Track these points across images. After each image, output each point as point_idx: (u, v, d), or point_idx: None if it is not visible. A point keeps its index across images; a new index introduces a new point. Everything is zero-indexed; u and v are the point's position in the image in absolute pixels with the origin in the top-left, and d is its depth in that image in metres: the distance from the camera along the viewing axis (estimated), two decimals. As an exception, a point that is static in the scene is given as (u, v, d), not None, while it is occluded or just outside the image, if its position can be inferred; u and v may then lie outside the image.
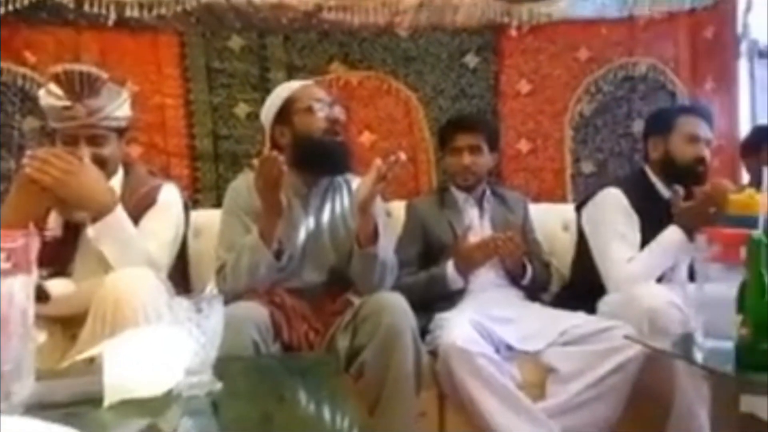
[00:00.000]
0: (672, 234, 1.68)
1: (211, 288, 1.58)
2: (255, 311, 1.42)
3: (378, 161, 1.48)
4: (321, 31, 2.22)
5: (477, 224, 1.93)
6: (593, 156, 2.38)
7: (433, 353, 1.59)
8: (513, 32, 2.32)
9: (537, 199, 2.25)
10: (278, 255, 1.52)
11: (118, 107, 1.51)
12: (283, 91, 1.71)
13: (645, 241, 1.74)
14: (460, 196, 1.97)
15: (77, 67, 1.50)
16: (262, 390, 1.08)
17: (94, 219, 1.40)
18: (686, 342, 1.31)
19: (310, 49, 2.22)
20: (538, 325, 1.69)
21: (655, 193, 1.86)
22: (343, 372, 1.39)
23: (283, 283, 1.56)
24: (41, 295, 1.20)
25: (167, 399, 0.89)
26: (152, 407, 0.87)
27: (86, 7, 2.03)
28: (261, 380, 1.15)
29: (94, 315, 1.27)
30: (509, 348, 1.65)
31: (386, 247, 1.60)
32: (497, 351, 1.61)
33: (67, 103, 1.44)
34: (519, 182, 2.32)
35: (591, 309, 1.76)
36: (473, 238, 1.82)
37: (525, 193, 2.18)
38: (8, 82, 2.02)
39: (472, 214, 1.95)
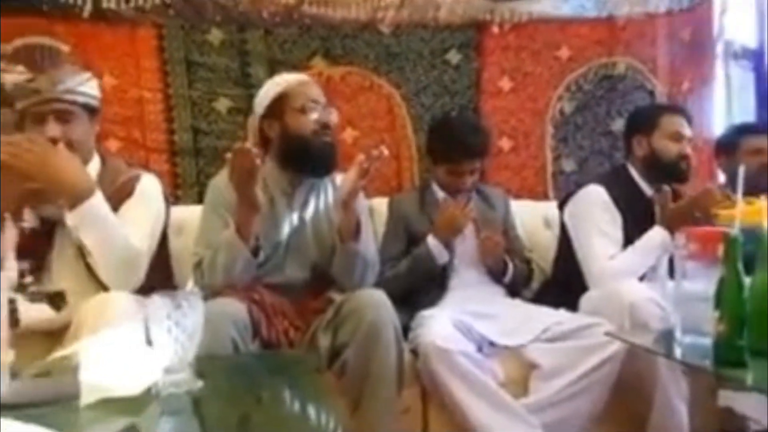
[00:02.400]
0: (656, 234, 1.71)
1: (192, 285, 1.56)
2: (233, 308, 1.39)
3: (361, 156, 1.47)
4: (302, 26, 2.20)
5: (459, 221, 1.92)
6: (574, 154, 2.40)
7: (415, 351, 1.58)
8: (495, 30, 2.33)
9: (519, 196, 2.26)
10: (256, 251, 1.49)
11: (83, 83, 1.47)
12: (279, 83, 1.66)
13: (627, 238, 1.76)
14: (441, 194, 1.96)
15: (35, 39, 1.45)
16: (242, 388, 1.06)
17: (72, 206, 1.35)
18: (666, 338, 1.33)
19: (292, 43, 2.20)
20: (520, 321, 1.70)
21: (637, 190, 1.88)
22: (325, 370, 1.38)
23: (264, 279, 1.54)
24: (12, 319, 1.16)
25: (146, 398, 0.87)
26: (131, 406, 0.85)
27: (61, -3, 1.98)
28: (240, 378, 1.14)
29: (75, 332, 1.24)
30: (492, 344, 1.65)
31: (368, 243, 1.59)
32: (479, 348, 1.62)
33: (29, 75, 1.40)
34: (501, 180, 2.33)
35: (572, 305, 1.77)
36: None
37: (507, 191, 2.18)
38: (-21, 73, 1.96)
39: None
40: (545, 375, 1.58)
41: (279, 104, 1.62)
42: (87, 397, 0.83)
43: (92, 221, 1.36)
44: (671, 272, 1.78)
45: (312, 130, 1.59)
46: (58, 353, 0.99)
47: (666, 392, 1.52)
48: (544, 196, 2.35)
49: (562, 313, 1.72)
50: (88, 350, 0.86)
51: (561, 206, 1.97)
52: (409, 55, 2.29)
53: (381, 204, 2.03)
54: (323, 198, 1.67)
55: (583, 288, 1.78)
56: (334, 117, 1.65)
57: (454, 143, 1.89)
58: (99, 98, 1.52)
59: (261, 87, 1.70)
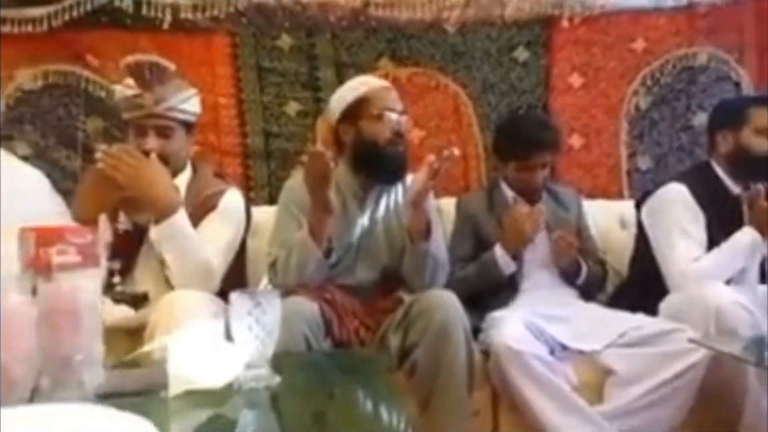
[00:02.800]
0: (745, 235, 1.61)
1: (265, 284, 1.61)
2: (305, 306, 1.42)
3: (431, 157, 1.46)
4: (368, 28, 2.22)
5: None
6: (650, 151, 2.29)
7: (486, 353, 1.56)
8: (565, 24, 2.26)
9: (591, 196, 2.19)
10: (328, 253, 1.52)
11: (186, 100, 1.56)
12: (357, 87, 1.67)
13: (711, 239, 1.66)
14: (510, 194, 1.92)
15: (147, 57, 1.55)
16: (315, 385, 1.08)
17: (158, 220, 1.44)
18: (757, 346, 1.25)
19: (358, 46, 2.22)
20: (594, 325, 1.65)
21: (722, 188, 1.77)
22: (395, 369, 1.39)
23: (336, 280, 1.57)
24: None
25: (228, 391, 0.91)
26: (214, 399, 0.89)
27: (143, 11, 2.09)
28: (313, 375, 1.16)
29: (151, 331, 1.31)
30: (564, 348, 1.61)
31: (438, 244, 1.58)
32: (551, 352, 1.57)
33: (137, 91, 1.50)
34: (571, 179, 2.26)
35: (651, 309, 1.69)
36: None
37: (578, 190, 2.11)
38: (72, 84, 2.10)
39: (522, 211, 1.90)
40: (622, 382, 1.52)
41: (356, 109, 1.63)
42: (175, 388, 0.87)
43: (173, 237, 1.46)
44: (762, 276, 1.68)
45: (386, 139, 1.60)
46: (145, 347, 1.05)
47: (757, 401, 1.43)
48: (619, 196, 2.26)
49: (641, 318, 1.64)
50: (174, 344, 0.91)
51: (638, 205, 1.88)
52: (475, 54, 2.26)
53: (448, 204, 2.01)
54: (394, 199, 1.68)
55: (662, 291, 1.70)
56: (407, 125, 1.65)
57: (523, 137, 1.84)
58: (198, 114, 1.62)
59: (329, 90, 1.73)
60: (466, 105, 2.26)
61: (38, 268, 0.82)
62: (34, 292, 0.82)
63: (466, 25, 2.24)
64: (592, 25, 2.27)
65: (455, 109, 2.26)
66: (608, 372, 1.55)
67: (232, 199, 1.64)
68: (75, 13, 2.06)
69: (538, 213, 1.75)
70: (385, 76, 2.19)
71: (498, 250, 1.76)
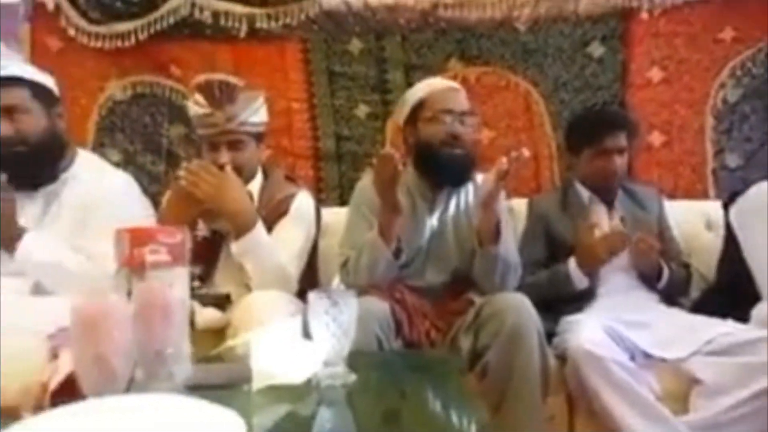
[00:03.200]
0: None
1: (336, 284, 1.64)
2: (377, 306, 1.43)
3: (502, 159, 1.44)
4: (437, 30, 2.21)
5: (605, 223, 1.81)
6: (740, 147, 2.15)
7: (561, 357, 1.52)
8: (644, 16, 2.16)
9: (672, 195, 2.09)
10: (397, 253, 1.53)
11: (254, 113, 1.62)
12: (419, 90, 1.69)
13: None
14: (585, 193, 1.86)
15: (216, 76, 1.63)
16: (388, 385, 1.09)
17: (237, 235, 1.52)
18: None
19: (428, 47, 2.22)
20: (678, 332, 1.56)
21: (824, 188, 1.64)
22: (466, 372, 1.38)
23: (406, 281, 1.58)
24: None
25: (306, 388, 0.93)
26: (293, 394, 0.91)
27: (221, 21, 2.19)
28: (387, 375, 1.16)
29: (234, 329, 1.37)
30: (646, 355, 1.53)
31: (508, 246, 1.56)
32: (632, 358, 1.50)
33: (208, 110, 1.57)
34: (651, 178, 2.16)
35: (740, 316, 1.58)
36: (598, 233, 1.70)
37: (659, 190, 2.01)
38: (158, 94, 2.24)
39: (599, 212, 1.84)
40: (709, 392, 1.43)
41: (417, 111, 1.65)
42: (258, 383, 0.91)
43: (253, 251, 1.53)
44: None
45: (441, 141, 1.60)
46: (229, 342, 1.10)
47: None
48: (704, 195, 2.14)
49: (731, 324, 1.54)
50: (256, 341, 0.94)
51: (726, 206, 1.77)
52: (547, 51, 2.21)
53: (520, 205, 1.97)
54: (464, 201, 1.67)
55: (754, 297, 1.58)
56: (472, 127, 1.63)
57: (595, 120, 1.82)
58: (266, 123, 1.69)
59: (398, 92, 1.74)
60: (538, 103, 2.21)
61: (133, 266, 0.88)
62: (129, 289, 0.88)
63: (537, 22, 2.19)
64: (674, 16, 2.15)
65: (526, 108, 2.22)
66: (693, 381, 1.46)
67: (303, 202, 1.69)
68: (159, 27, 2.18)
69: (618, 236, 1.66)
70: (454, 77, 2.19)
71: (571, 265, 1.70)
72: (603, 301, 1.71)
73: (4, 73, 1.49)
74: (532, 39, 2.21)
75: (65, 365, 0.82)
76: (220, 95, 1.57)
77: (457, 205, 1.66)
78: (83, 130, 2.21)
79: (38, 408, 0.80)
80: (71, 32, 2.18)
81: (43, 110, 1.53)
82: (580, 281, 1.70)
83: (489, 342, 1.38)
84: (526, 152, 1.43)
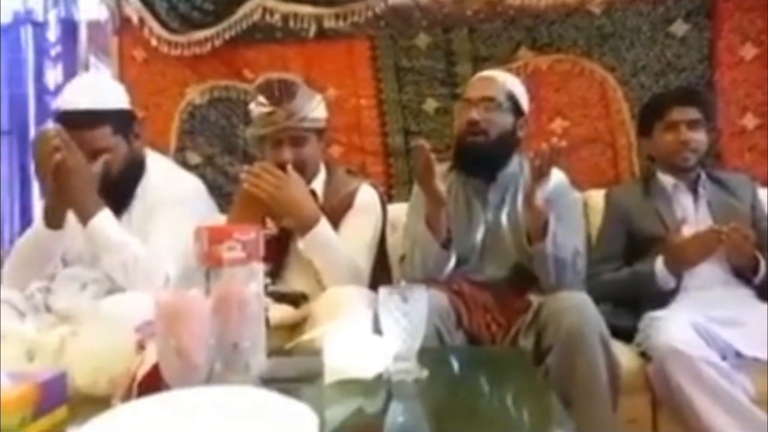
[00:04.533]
0: None
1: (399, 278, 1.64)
2: (435, 298, 1.40)
3: (530, 154, 1.40)
4: (506, 18, 2.16)
5: (691, 213, 1.70)
6: None
7: (644, 355, 1.44)
8: (734, -12, 2.01)
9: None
10: (447, 243, 1.51)
11: (314, 109, 1.65)
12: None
13: None
14: (669, 181, 1.75)
15: (275, 75, 1.67)
16: (459, 380, 1.08)
17: (302, 233, 1.55)
18: None
19: (496, 37, 2.18)
20: (776, 331, 1.44)
21: None
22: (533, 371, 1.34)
23: (467, 275, 1.56)
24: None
25: (378, 382, 0.94)
26: (365, 389, 0.92)
27: (291, 24, 2.24)
28: (456, 370, 1.15)
29: (310, 324, 1.40)
30: (738, 355, 1.42)
31: (559, 243, 1.47)
32: (723, 358, 1.40)
33: (270, 108, 1.61)
34: (743, 164, 2.01)
35: None
36: (688, 231, 1.59)
37: (752, 177, 1.86)
38: (233, 97, 2.33)
39: (684, 202, 1.73)
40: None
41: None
42: (330, 377, 0.93)
43: (319, 246, 1.55)
44: None
45: (463, 130, 1.59)
46: (304, 337, 1.12)
47: None
48: (805, 182, 1.96)
49: (837, 323, 1.40)
50: (329, 336, 0.96)
51: (832, 193, 1.61)
52: (624, 34, 2.11)
53: (597, 196, 1.89)
54: (519, 195, 1.62)
55: None
56: (490, 113, 1.58)
57: (661, 96, 1.79)
58: (326, 118, 1.71)
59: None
60: (615, 90, 2.11)
61: (211, 263, 0.92)
62: (208, 285, 0.92)
63: (613, 3, 2.09)
64: (768, -13, 1.99)
65: (602, 96, 2.13)
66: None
67: (366, 194, 1.70)
68: (233, 32, 2.26)
69: (710, 234, 1.55)
70: (525, 67, 2.13)
71: (658, 265, 1.59)
72: (691, 296, 1.59)
73: (84, 106, 1.49)
74: (607, 22, 2.11)
75: (151, 357, 0.87)
76: (279, 93, 1.60)
77: (512, 201, 1.62)
78: (166, 134, 2.34)
79: (127, 397, 0.85)
80: (154, 42, 2.31)
81: (124, 140, 1.56)
82: (667, 282, 1.59)
83: (551, 343, 1.34)
84: (562, 143, 1.40)
